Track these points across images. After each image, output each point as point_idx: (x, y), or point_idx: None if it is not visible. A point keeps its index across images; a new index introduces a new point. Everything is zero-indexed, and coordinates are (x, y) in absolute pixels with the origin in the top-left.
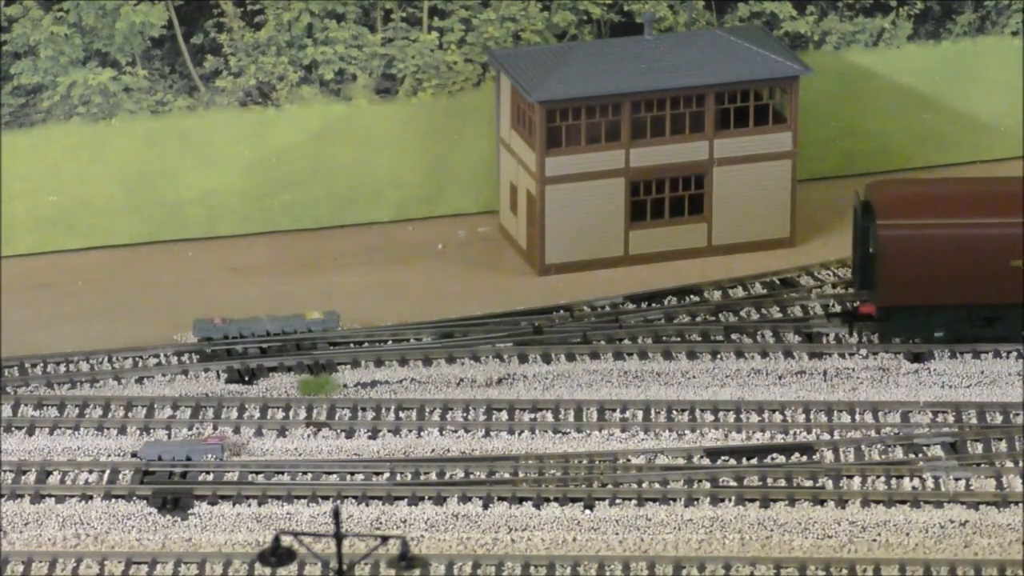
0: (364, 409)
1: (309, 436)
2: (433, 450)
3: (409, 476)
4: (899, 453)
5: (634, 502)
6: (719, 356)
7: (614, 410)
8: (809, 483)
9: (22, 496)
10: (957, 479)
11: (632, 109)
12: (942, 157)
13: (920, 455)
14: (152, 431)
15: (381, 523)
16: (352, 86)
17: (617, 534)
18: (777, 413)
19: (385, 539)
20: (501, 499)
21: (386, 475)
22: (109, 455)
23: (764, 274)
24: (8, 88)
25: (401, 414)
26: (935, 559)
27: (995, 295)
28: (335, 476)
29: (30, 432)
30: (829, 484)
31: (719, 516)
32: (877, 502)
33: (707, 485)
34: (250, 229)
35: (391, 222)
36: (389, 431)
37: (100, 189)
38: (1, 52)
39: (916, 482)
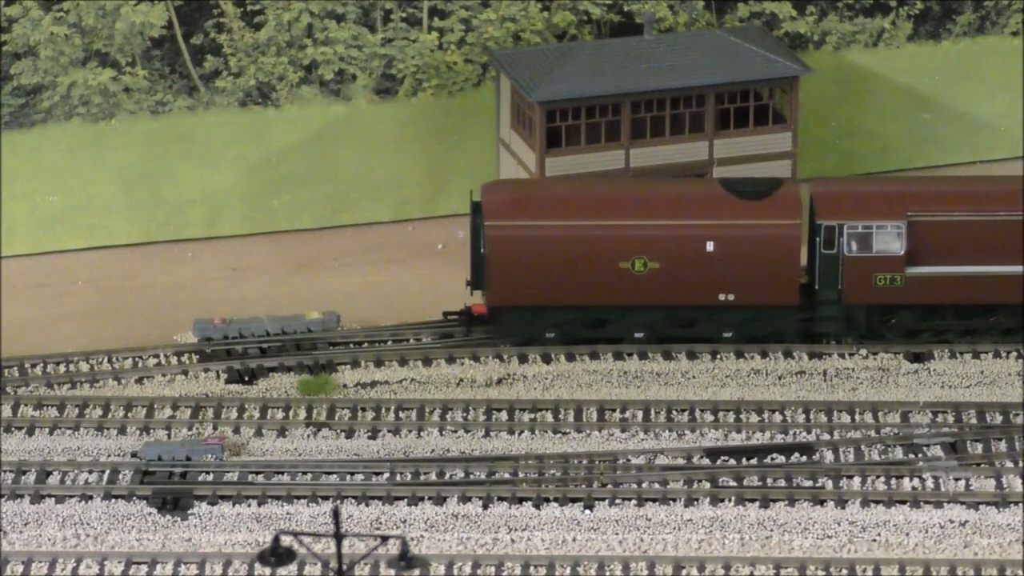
0: (364, 409)
1: (309, 436)
2: (433, 450)
3: (409, 476)
4: (899, 453)
5: (634, 502)
6: (719, 356)
7: (614, 410)
8: (809, 483)
9: (22, 496)
10: (957, 479)
11: (632, 109)
12: (942, 157)
13: (920, 455)
14: (152, 431)
15: (381, 523)
16: (352, 86)
17: (617, 534)
18: (777, 413)
19: (385, 539)
20: (501, 499)
21: (386, 475)
22: (109, 455)
23: None
24: (8, 88)
25: (401, 414)
26: (935, 559)
27: (604, 297)
28: (335, 476)
29: (30, 432)
30: (829, 484)
31: (719, 516)
32: (877, 502)
33: (707, 485)
34: (250, 229)
35: (391, 222)
36: (389, 431)
37: (100, 189)
38: (1, 52)
39: (916, 482)
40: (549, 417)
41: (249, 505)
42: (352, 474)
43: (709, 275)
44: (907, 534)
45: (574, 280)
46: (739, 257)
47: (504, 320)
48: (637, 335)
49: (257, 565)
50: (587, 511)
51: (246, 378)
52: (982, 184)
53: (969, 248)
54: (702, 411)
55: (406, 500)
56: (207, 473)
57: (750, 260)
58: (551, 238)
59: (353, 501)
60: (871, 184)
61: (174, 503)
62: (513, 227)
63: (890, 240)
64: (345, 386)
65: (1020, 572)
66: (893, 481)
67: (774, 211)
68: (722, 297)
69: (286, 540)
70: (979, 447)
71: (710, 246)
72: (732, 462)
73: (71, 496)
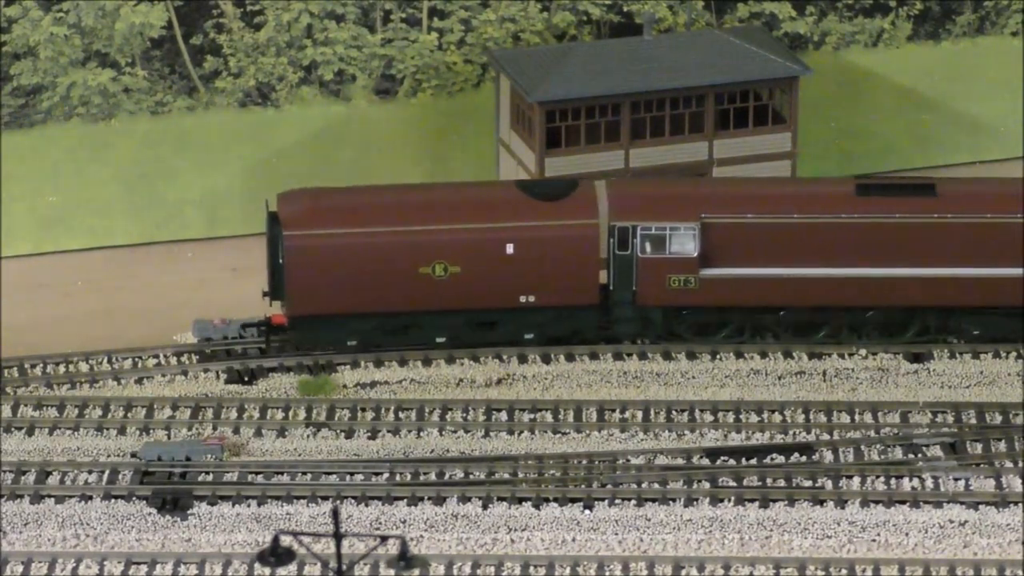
0: (364, 409)
1: (309, 436)
2: (433, 450)
3: (408, 476)
4: (898, 453)
5: (633, 502)
6: (718, 356)
7: (613, 410)
8: (808, 483)
9: (22, 496)
10: (956, 479)
11: (632, 109)
12: (942, 157)
13: (919, 455)
14: (152, 431)
15: (380, 523)
16: (352, 87)
17: (616, 534)
18: (776, 413)
19: (384, 539)
20: (500, 499)
21: (385, 475)
22: (109, 455)
23: None
24: (8, 88)
25: (401, 414)
26: (935, 559)
27: (405, 302)
28: (334, 476)
29: (30, 432)
30: (828, 484)
31: (718, 516)
32: (876, 502)
33: (706, 485)
34: (250, 229)
35: None
36: (389, 431)
37: (100, 189)
38: (1, 52)
39: (915, 482)
40: (549, 417)
41: (249, 505)
42: (352, 474)
43: (509, 277)
44: (907, 534)
45: (375, 287)
46: (539, 259)
47: (305, 329)
48: (439, 339)
49: (257, 565)
50: (587, 511)
51: (246, 378)
52: (776, 186)
53: (763, 250)
54: (702, 411)
55: (406, 500)
56: (207, 473)
57: (549, 261)
58: (351, 246)
59: (353, 501)
60: (666, 186)
61: (174, 503)
62: (312, 236)
63: (684, 242)
64: (345, 386)
65: (1020, 572)
66: (893, 481)
67: (571, 212)
68: (523, 299)
69: (286, 540)
70: (979, 447)
71: (510, 248)
72: (732, 462)
73: (71, 496)
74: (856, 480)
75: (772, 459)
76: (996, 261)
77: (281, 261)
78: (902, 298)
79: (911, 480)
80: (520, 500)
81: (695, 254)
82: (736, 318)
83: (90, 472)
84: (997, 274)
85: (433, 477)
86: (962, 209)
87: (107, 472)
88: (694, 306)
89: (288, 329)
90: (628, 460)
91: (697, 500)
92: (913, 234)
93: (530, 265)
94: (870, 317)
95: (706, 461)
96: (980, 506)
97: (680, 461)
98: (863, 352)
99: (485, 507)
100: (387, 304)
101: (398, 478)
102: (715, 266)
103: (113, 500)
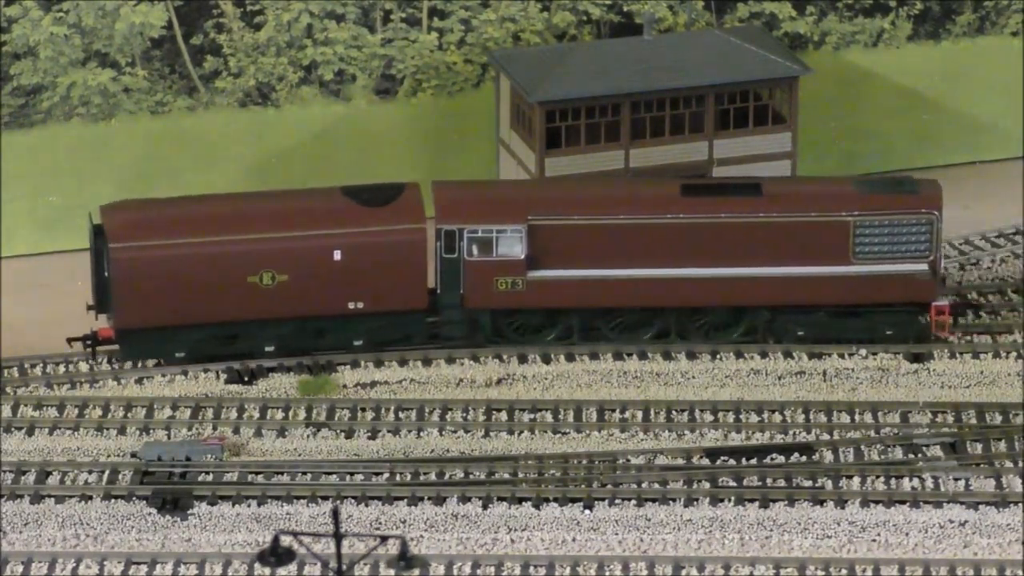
0: (364, 409)
1: (309, 436)
2: (432, 450)
3: (408, 476)
4: (898, 453)
5: (633, 502)
6: (719, 356)
7: (613, 410)
8: (808, 483)
9: (22, 496)
10: (956, 479)
11: (632, 109)
12: (942, 157)
13: (919, 455)
14: (152, 431)
15: (380, 523)
16: (352, 86)
17: (616, 534)
18: (776, 413)
19: (384, 539)
20: (500, 499)
21: (385, 475)
22: (109, 455)
23: None
24: (8, 88)
25: (401, 414)
26: (934, 559)
27: (234, 312)
28: (335, 476)
29: (30, 432)
30: (828, 484)
31: (718, 516)
32: (876, 502)
33: (706, 485)
34: None
35: None
36: (389, 431)
37: (100, 189)
38: (1, 52)
39: (915, 482)
40: (549, 417)
41: (249, 505)
42: (352, 474)
43: (337, 284)
44: (907, 534)
45: (204, 297)
46: (366, 265)
47: (132, 342)
48: (268, 348)
49: (257, 565)
50: (587, 511)
51: (246, 378)
52: (603, 188)
53: (590, 251)
54: (702, 411)
55: (406, 500)
56: (207, 473)
57: (377, 267)
58: (177, 257)
59: (353, 501)
60: (492, 188)
61: (174, 503)
62: (138, 248)
63: (511, 244)
64: (345, 386)
65: (1020, 572)
66: (893, 481)
67: (398, 217)
68: (352, 305)
69: (286, 540)
70: (979, 447)
71: (337, 255)
72: (732, 462)
73: (71, 496)
74: (856, 480)
75: (772, 459)
76: (822, 260)
77: (106, 274)
78: (729, 298)
79: (911, 480)
80: (520, 500)
81: (522, 256)
82: (565, 320)
83: (90, 472)
84: (824, 273)
85: (433, 477)
86: (788, 208)
87: (107, 472)
88: (522, 308)
89: (115, 342)
90: (628, 460)
91: (697, 500)
92: (739, 234)
93: (357, 271)
94: (698, 317)
95: (706, 461)
96: (980, 506)
97: (680, 461)
98: (863, 352)
99: (485, 507)
100: (215, 315)
101: (398, 478)
102: (543, 268)
103: (113, 500)
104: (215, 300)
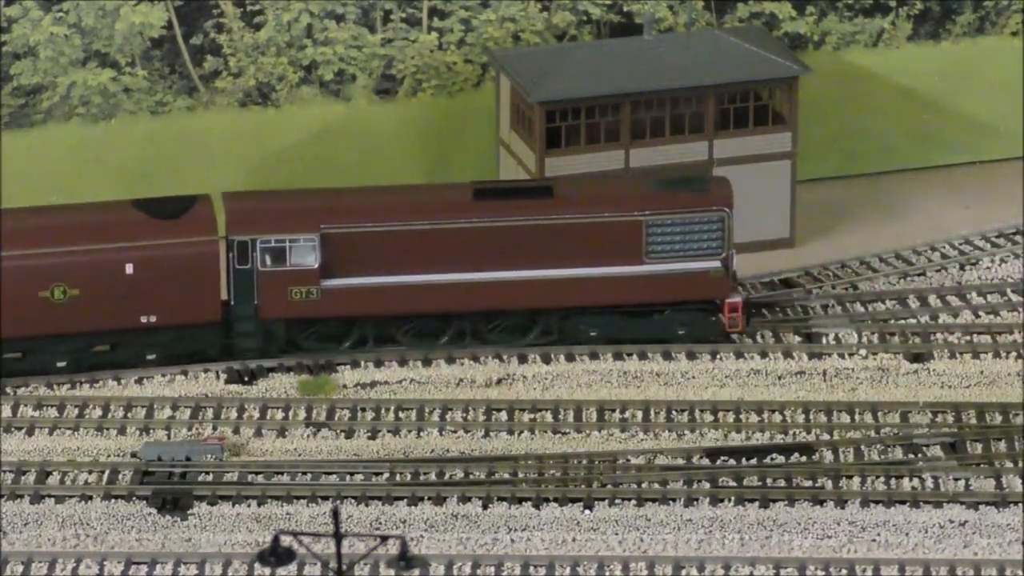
0: (364, 409)
1: (309, 436)
2: (433, 450)
3: (409, 476)
4: (898, 453)
5: (633, 502)
6: (718, 356)
7: (613, 410)
8: (808, 483)
9: (22, 496)
10: (956, 479)
11: (632, 109)
12: (942, 157)
13: (919, 455)
14: (152, 431)
15: (381, 523)
16: (352, 86)
17: (616, 534)
18: (776, 413)
19: (384, 539)
20: (500, 499)
21: (385, 475)
22: (109, 455)
23: (764, 274)
24: (8, 88)
25: (401, 414)
26: (934, 559)
27: (26, 327)
28: (335, 476)
29: (30, 432)
30: (828, 484)
31: (718, 516)
32: (876, 502)
33: (707, 485)
34: None
35: None
36: (389, 431)
37: (100, 189)
38: (1, 52)
39: (915, 482)
40: (549, 417)
41: (249, 505)
42: (352, 474)
43: (130, 298)
44: (907, 534)
45: None
46: (158, 278)
47: None
48: (60, 364)
49: (257, 565)
50: (587, 511)
51: (246, 378)
52: (396, 195)
53: (384, 258)
54: (702, 411)
55: (406, 500)
56: (207, 473)
57: (169, 280)
58: None
59: (353, 501)
60: (285, 198)
61: (174, 503)
62: None
63: (304, 253)
64: (345, 386)
65: (1020, 572)
66: (893, 481)
67: (188, 229)
68: (144, 319)
69: (286, 540)
70: (979, 447)
71: (129, 269)
72: (732, 462)
73: (71, 496)
74: (856, 480)
75: (772, 459)
76: (615, 260)
77: None
78: (523, 301)
79: (911, 480)
80: (520, 500)
81: (316, 265)
82: (361, 328)
83: (90, 472)
84: (617, 273)
85: (433, 477)
86: (579, 209)
87: (107, 472)
88: (317, 318)
89: None
90: (628, 460)
91: (697, 500)
92: (531, 236)
93: (150, 285)
94: (494, 321)
95: (706, 461)
96: (980, 506)
97: (680, 461)
98: (863, 352)
99: (485, 507)
100: (8, 330)
101: (398, 478)
102: (337, 277)
103: (113, 500)
104: (6, 315)
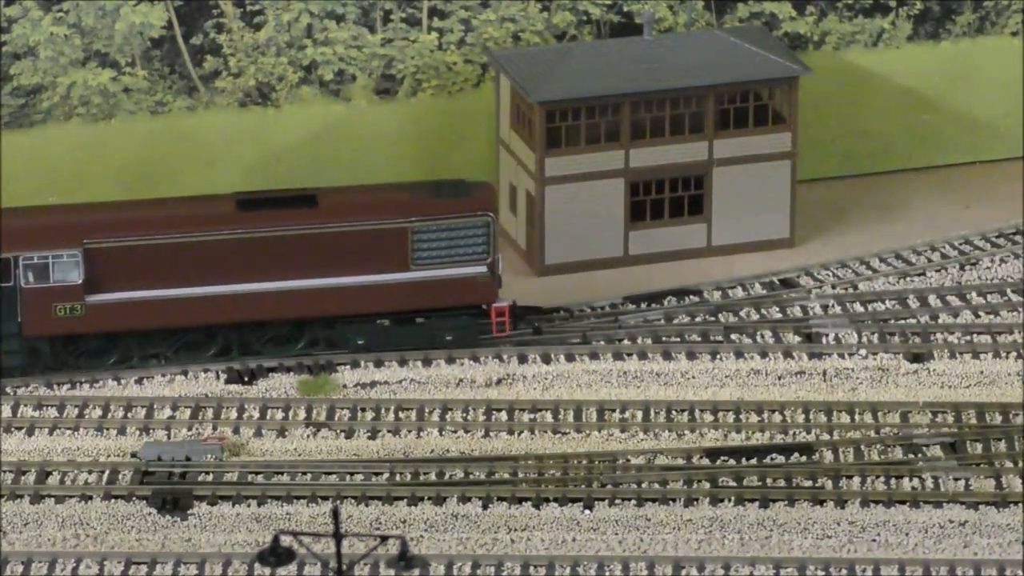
0: (364, 409)
1: (308, 436)
2: (432, 450)
3: (408, 476)
4: (898, 453)
5: (633, 502)
6: (718, 356)
7: (613, 410)
8: (808, 483)
9: (22, 496)
10: (956, 479)
11: (632, 109)
12: (942, 157)
13: (919, 455)
14: (152, 431)
15: (380, 523)
16: (352, 86)
17: (616, 534)
18: (776, 413)
19: (384, 539)
20: (500, 499)
21: (385, 475)
22: (109, 455)
23: (764, 274)
24: (8, 88)
25: (401, 414)
26: (934, 559)
27: None
28: (334, 476)
29: (30, 432)
30: (828, 484)
31: (718, 516)
32: (876, 502)
33: (706, 485)
34: None
35: None
36: (388, 431)
37: (100, 189)
38: (1, 52)
39: (915, 482)
40: (549, 417)
41: (249, 505)
42: (352, 474)
43: None
44: (907, 534)
45: None
46: None
47: None
48: None
49: (257, 565)
50: (587, 511)
51: (246, 378)
52: (161, 208)
53: (150, 272)
54: (702, 411)
55: (406, 500)
56: (207, 473)
57: None
58: None
59: (353, 501)
60: (47, 214)
61: (174, 503)
62: None
63: (67, 269)
64: (345, 386)
65: (1020, 572)
66: (893, 481)
67: None
68: None
69: (286, 540)
70: (979, 447)
71: None
72: (732, 462)
73: (71, 496)
74: (856, 480)
75: (772, 459)
76: (382, 268)
77: None
78: (290, 311)
79: (911, 480)
80: (520, 500)
81: (79, 281)
82: (127, 342)
83: (90, 472)
84: (384, 281)
85: (433, 477)
86: (343, 218)
87: (107, 472)
88: (83, 334)
89: None
90: (628, 460)
91: (697, 500)
92: (296, 246)
93: None
94: (261, 332)
95: (706, 461)
96: (980, 506)
97: (680, 461)
98: (863, 352)
99: (485, 507)
100: None
101: (398, 478)
102: (102, 292)
103: (113, 500)
104: None
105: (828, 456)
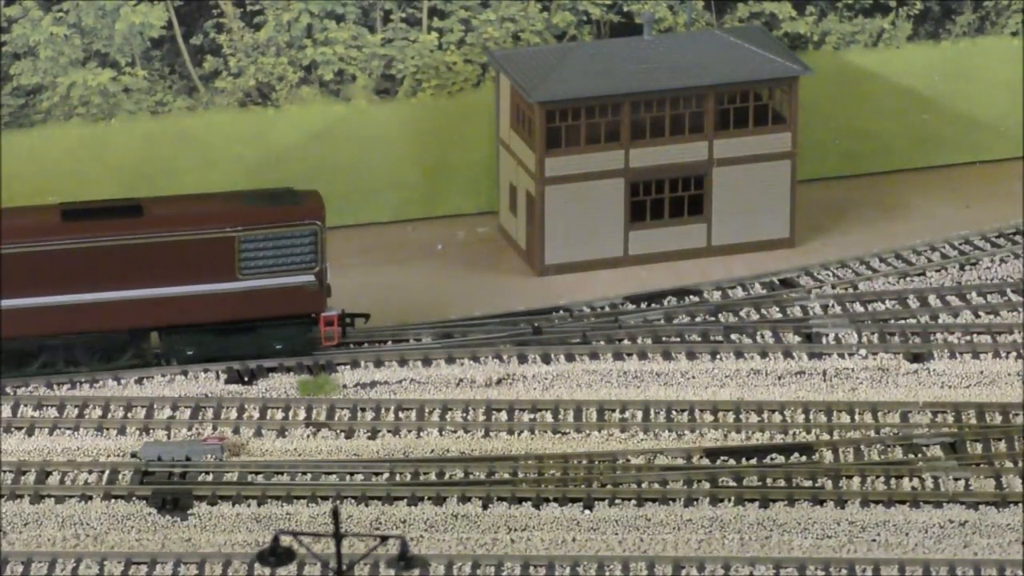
0: (364, 409)
1: (308, 436)
2: (432, 450)
3: (408, 476)
4: (898, 453)
5: (633, 502)
6: (718, 356)
7: (613, 410)
8: (808, 483)
9: (22, 496)
10: (956, 479)
11: (632, 109)
12: (942, 157)
13: (919, 455)
14: (152, 431)
15: (380, 523)
16: (352, 86)
17: (616, 534)
18: (776, 413)
19: (384, 539)
20: (500, 499)
21: (385, 475)
22: (109, 455)
23: (764, 274)
24: (8, 88)
25: (401, 414)
26: (934, 559)
27: None
28: (334, 476)
29: (30, 432)
30: (828, 484)
31: (718, 516)
32: (876, 502)
33: (706, 485)
34: None
35: (391, 222)
36: (388, 431)
37: (100, 189)
38: (1, 52)
39: (915, 482)
40: (549, 417)
41: (249, 505)
42: (352, 474)
43: None
44: (907, 534)
45: None
46: None
47: None
48: None
49: (257, 565)
50: (587, 511)
51: (246, 378)
52: (35, 214)
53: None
54: (702, 411)
55: (406, 500)
56: (207, 473)
57: None
58: None
59: (353, 501)
60: None
61: (174, 503)
62: None
63: None
64: (345, 386)
65: (1020, 572)
66: (893, 481)
67: None
68: None
69: (286, 540)
70: (979, 447)
71: None
72: (732, 462)
73: (71, 496)
74: (856, 480)
75: (772, 459)
76: (209, 277)
77: None
78: (118, 322)
79: (911, 480)
80: (520, 500)
81: None
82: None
83: (90, 472)
84: (211, 290)
85: (433, 477)
86: (169, 227)
87: (107, 472)
88: None
89: None
90: (628, 460)
91: (697, 500)
92: (121, 256)
93: None
94: (90, 343)
95: (706, 461)
96: (980, 506)
97: (680, 461)
98: (863, 352)
99: (485, 507)
100: None
101: (398, 478)
102: None
103: (113, 500)
104: None
105: (828, 456)
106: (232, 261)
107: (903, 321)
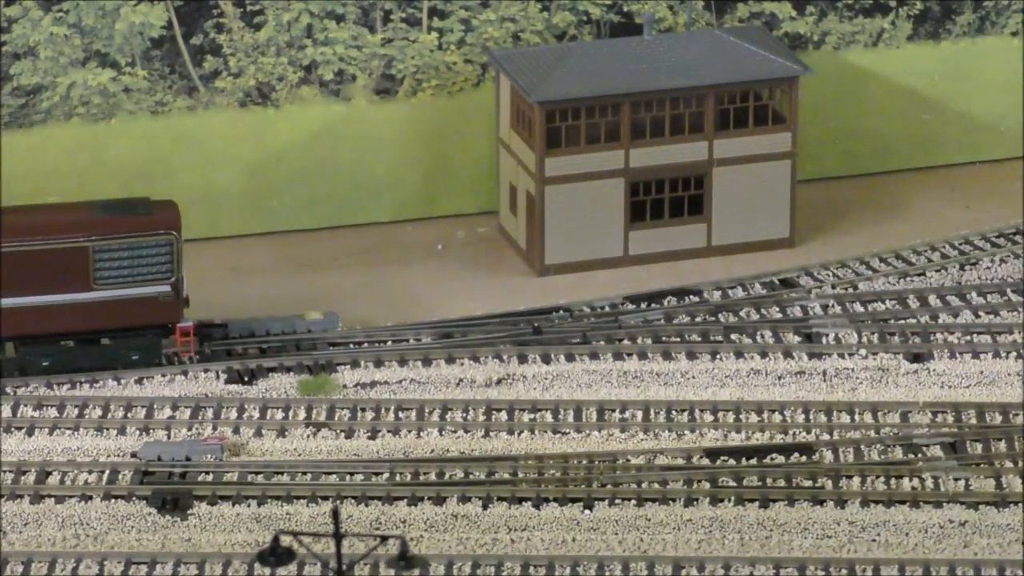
0: (364, 409)
1: (308, 436)
2: (432, 450)
3: (408, 476)
4: (898, 453)
5: (633, 502)
6: (718, 356)
7: (613, 410)
8: (808, 483)
9: (22, 496)
10: (956, 479)
11: (632, 109)
12: (942, 157)
13: (919, 455)
14: (152, 431)
15: (380, 523)
16: (352, 86)
17: (616, 534)
18: (776, 413)
19: (384, 539)
20: (500, 499)
21: (385, 475)
22: (109, 455)
23: (764, 274)
24: (8, 88)
25: (400, 414)
26: (934, 559)
27: None
28: (335, 476)
29: (30, 432)
30: (828, 484)
31: (718, 516)
32: (876, 502)
33: (706, 485)
34: (250, 229)
35: (391, 222)
36: (388, 431)
37: (100, 189)
38: (1, 52)
39: (915, 482)
40: (549, 417)
41: (249, 505)
42: (352, 474)
43: None
44: (907, 534)
45: None
46: None
47: None
48: None
49: (257, 565)
50: (587, 511)
51: (246, 378)
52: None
53: None
54: (702, 411)
55: (406, 500)
56: (207, 473)
57: None
58: None
59: (353, 501)
60: None
61: (174, 503)
62: None
63: None
64: (345, 386)
65: (1020, 572)
66: (893, 481)
67: None
68: None
69: (286, 540)
70: (979, 447)
71: None
72: (732, 462)
73: (71, 496)
74: (856, 480)
75: (772, 459)
76: (64, 288)
77: None
78: None
79: (911, 480)
80: (520, 500)
81: None
82: None
83: (90, 472)
84: (65, 301)
85: (433, 477)
86: (23, 237)
87: (107, 472)
88: None
89: None
90: (628, 460)
91: (697, 500)
92: None
93: None
94: None
95: (706, 461)
96: (980, 506)
97: (680, 461)
98: (863, 352)
99: (485, 507)
100: None
101: (398, 478)
102: None
103: (113, 500)
104: None
105: (828, 456)
106: (87, 271)
107: (903, 321)
